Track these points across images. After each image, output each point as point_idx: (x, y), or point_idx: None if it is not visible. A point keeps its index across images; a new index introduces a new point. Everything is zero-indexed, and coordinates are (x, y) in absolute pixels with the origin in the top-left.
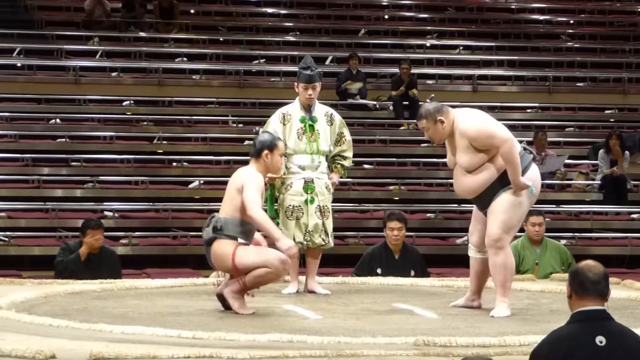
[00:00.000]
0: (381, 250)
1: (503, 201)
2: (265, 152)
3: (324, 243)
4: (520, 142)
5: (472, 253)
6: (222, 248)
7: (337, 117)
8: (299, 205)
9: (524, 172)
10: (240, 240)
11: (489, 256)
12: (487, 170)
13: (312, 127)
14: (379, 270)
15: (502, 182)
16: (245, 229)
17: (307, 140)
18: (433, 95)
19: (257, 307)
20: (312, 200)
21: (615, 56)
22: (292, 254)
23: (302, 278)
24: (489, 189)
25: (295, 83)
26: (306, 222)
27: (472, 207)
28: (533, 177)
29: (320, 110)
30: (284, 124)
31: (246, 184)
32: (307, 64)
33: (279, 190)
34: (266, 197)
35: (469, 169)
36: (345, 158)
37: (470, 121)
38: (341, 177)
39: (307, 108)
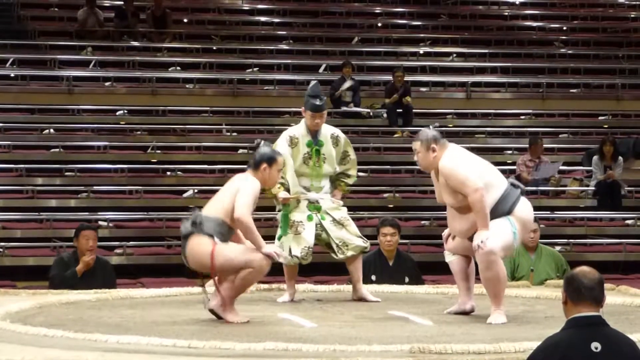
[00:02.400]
0: (375, 257)
1: (498, 223)
2: (264, 165)
3: (364, 245)
4: (505, 173)
5: (448, 258)
6: (200, 244)
7: (342, 137)
8: (301, 221)
9: (512, 207)
10: (216, 239)
11: (480, 270)
12: (472, 214)
13: (318, 151)
14: (373, 277)
15: (493, 215)
16: (224, 231)
17: (312, 165)
18: (437, 124)
19: (253, 316)
20: (311, 218)
21: (608, 62)
22: (273, 258)
23: (298, 286)
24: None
25: (303, 108)
26: (306, 238)
27: None
28: (524, 210)
29: (326, 132)
30: (292, 147)
31: (242, 188)
32: (315, 92)
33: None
34: (281, 217)
35: (454, 206)
36: (349, 176)
37: (450, 161)
38: (345, 193)
39: (314, 133)
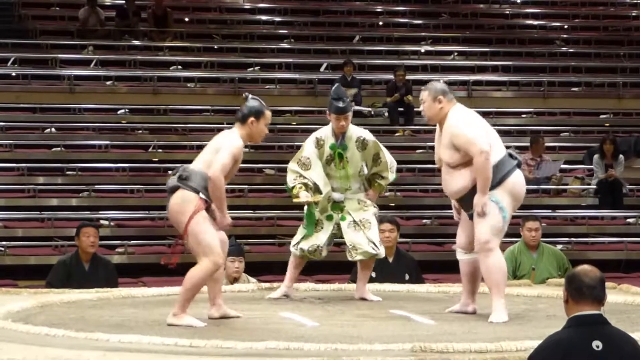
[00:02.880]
0: None
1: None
2: (252, 119)
3: (374, 252)
4: (508, 147)
5: (460, 255)
6: (184, 200)
7: (371, 140)
8: (320, 219)
9: (505, 177)
10: (201, 195)
11: (480, 261)
12: (468, 172)
13: (341, 155)
14: (373, 275)
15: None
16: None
17: (335, 167)
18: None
19: (254, 315)
20: (330, 218)
21: (609, 61)
22: (224, 226)
23: (298, 285)
24: (470, 192)
25: (327, 111)
26: (319, 236)
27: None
28: (516, 182)
29: (353, 135)
30: (318, 148)
31: (223, 147)
32: (338, 94)
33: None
34: (305, 215)
35: (449, 164)
36: (383, 177)
37: (458, 119)
38: (381, 192)
39: (339, 135)
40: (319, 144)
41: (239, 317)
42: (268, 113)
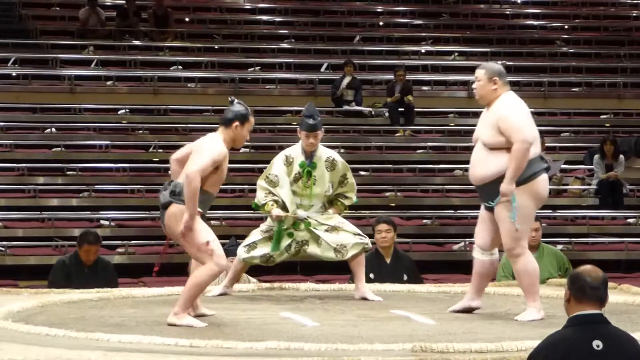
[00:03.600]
0: (373, 257)
1: (504, 209)
2: (236, 123)
3: (363, 242)
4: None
5: (476, 254)
6: (179, 213)
7: (340, 162)
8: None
9: (532, 177)
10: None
11: (512, 265)
12: (500, 160)
13: (309, 173)
14: (371, 276)
15: None
16: (202, 198)
17: (302, 185)
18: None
19: (254, 315)
20: (291, 235)
21: (610, 61)
22: (186, 228)
23: (299, 285)
24: (495, 181)
25: (298, 129)
26: (273, 247)
27: (468, 213)
28: (541, 184)
29: (322, 155)
30: (287, 166)
31: (205, 149)
32: (310, 112)
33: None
34: (274, 234)
35: (487, 144)
36: (347, 198)
37: (510, 103)
38: (340, 213)
39: (309, 154)
40: (288, 162)
41: (214, 315)
42: (252, 119)
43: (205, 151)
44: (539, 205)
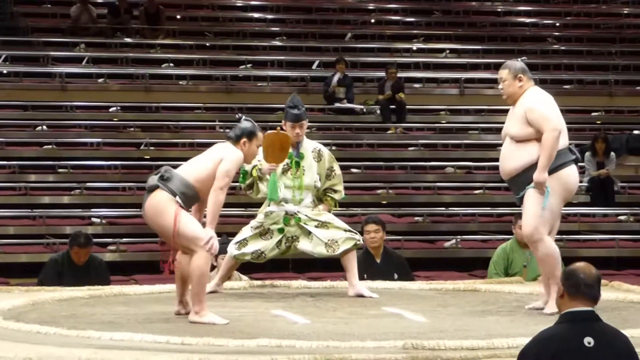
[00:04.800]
0: (363, 257)
1: (530, 196)
2: (244, 140)
3: (355, 237)
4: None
5: None
6: (162, 201)
7: (326, 153)
8: (271, 229)
9: (560, 167)
10: (178, 199)
11: (533, 252)
12: (531, 150)
13: (298, 163)
14: (365, 276)
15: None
16: (188, 194)
17: (291, 176)
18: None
19: (245, 312)
20: (282, 231)
21: (601, 58)
22: (207, 245)
23: (291, 283)
24: (525, 172)
25: (283, 121)
26: (266, 244)
27: (459, 210)
28: (570, 174)
29: (308, 146)
30: None
31: (227, 158)
32: (294, 102)
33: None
34: (270, 181)
35: (515, 137)
36: (335, 192)
37: (537, 96)
38: (330, 210)
39: (295, 145)
40: None
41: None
42: (260, 134)
43: (231, 163)
44: (568, 197)
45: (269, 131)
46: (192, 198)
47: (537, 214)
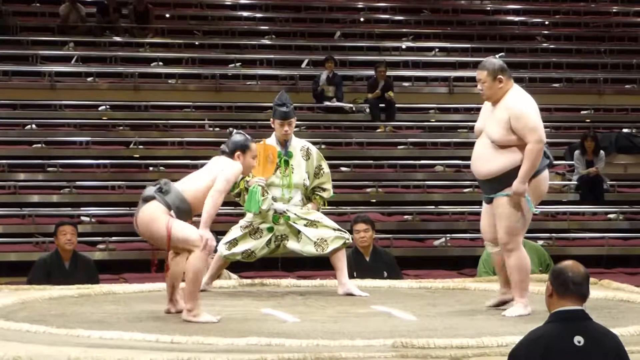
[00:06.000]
0: (353, 255)
1: (504, 204)
2: (238, 153)
3: (345, 236)
4: None
5: (490, 248)
6: (155, 212)
7: (314, 151)
8: (260, 228)
9: (538, 173)
10: (172, 213)
11: (505, 260)
12: (506, 157)
13: (287, 162)
14: (354, 273)
15: (510, 177)
16: (182, 209)
17: (280, 175)
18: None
19: (235, 311)
20: (271, 230)
21: (590, 57)
22: (204, 244)
23: (280, 281)
24: (502, 176)
25: (272, 119)
26: (256, 244)
27: (449, 209)
28: (543, 180)
29: (297, 145)
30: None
31: (226, 167)
32: (282, 100)
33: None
34: (250, 192)
35: (496, 142)
36: (324, 190)
37: (522, 102)
38: (319, 208)
39: (284, 143)
40: None
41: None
42: (253, 146)
43: (229, 172)
44: (538, 201)
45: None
46: (185, 213)
47: (512, 224)
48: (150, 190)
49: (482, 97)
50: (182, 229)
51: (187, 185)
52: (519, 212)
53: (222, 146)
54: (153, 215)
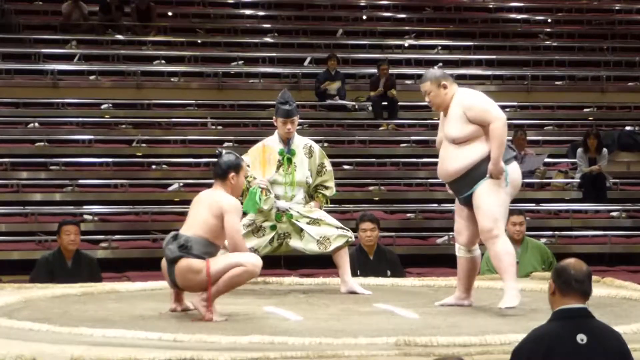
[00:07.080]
0: (356, 253)
1: (482, 193)
2: (232, 174)
3: (348, 234)
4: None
5: (461, 253)
6: (192, 265)
7: (317, 149)
8: (263, 227)
9: (505, 163)
10: (207, 259)
11: (488, 249)
12: (471, 151)
13: (289, 160)
14: (357, 272)
15: (480, 170)
16: (211, 251)
17: (283, 173)
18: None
19: (238, 310)
20: (274, 228)
21: (593, 54)
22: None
23: (284, 279)
24: (467, 173)
25: (274, 117)
26: (259, 242)
27: (452, 207)
28: (513, 171)
29: (299, 142)
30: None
31: (228, 213)
32: (285, 98)
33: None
34: (249, 193)
35: (456, 140)
36: (327, 188)
37: (470, 93)
38: (322, 206)
39: (286, 141)
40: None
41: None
42: (244, 163)
43: (234, 215)
44: (513, 194)
45: (253, 147)
46: (215, 252)
47: (494, 209)
48: (172, 251)
49: (433, 108)
50: (222, 261)
51: (201, 228)
52: (498, 196)
53: (214, 169)
54: (192, 274)
